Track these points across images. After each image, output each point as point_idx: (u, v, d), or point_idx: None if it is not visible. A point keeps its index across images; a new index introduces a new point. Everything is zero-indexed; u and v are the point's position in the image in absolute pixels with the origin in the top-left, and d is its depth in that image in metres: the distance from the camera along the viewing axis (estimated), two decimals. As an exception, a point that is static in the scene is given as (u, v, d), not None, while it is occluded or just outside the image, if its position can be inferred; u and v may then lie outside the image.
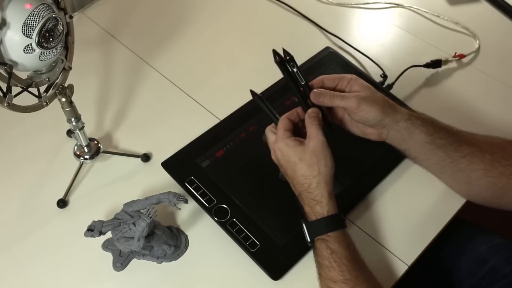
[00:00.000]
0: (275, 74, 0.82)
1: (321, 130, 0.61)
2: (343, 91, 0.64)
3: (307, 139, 0.60)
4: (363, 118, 0.63)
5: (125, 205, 0.62)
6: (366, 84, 0.64)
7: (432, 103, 0.84)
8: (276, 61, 0.62)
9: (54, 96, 0.61)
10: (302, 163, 0.59)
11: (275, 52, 0.63)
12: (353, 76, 0.64)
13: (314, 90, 0.63)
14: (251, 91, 0.65)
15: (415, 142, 0.64)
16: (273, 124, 0.65)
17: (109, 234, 0.62)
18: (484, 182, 0.64)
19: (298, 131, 0.64)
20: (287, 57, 0.63)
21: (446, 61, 0.88)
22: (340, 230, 0.58)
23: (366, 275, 0.57)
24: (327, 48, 0.89)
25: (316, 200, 0.59)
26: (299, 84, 0.64)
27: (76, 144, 0.73)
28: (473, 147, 0.64)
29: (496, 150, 0.64)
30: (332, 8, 1.01)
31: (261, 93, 0.65)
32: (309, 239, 0.60)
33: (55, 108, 0.64)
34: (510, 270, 0.71)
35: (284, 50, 0.63)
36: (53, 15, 0.52)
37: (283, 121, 0.63)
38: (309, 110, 0.63)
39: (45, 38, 0.52)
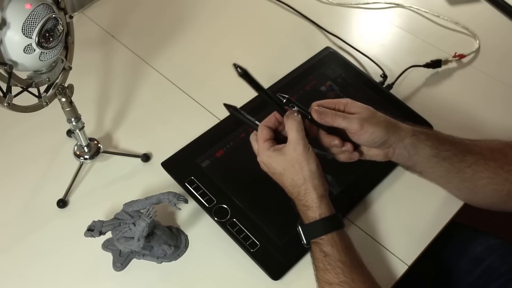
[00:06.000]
0: (275, 74, 0.82)
1: (301, 132, 0.58)
2: None
3: (287, 145, 0.58)
4: (368, 140, 0.60)
5: (125, 205, 0.62)
6: (365, 105, 0.61)
7: (432, 103, 0.84)
8: (240, 74, 0.57)
9: (54, 96, 0.61)
10: (287, 173, 0.58)
11: (236, 66, 0.57)
12: (349, 100, 0.61)
13: (315, 108, 0.60)
14: (225, 104, 0.60)
15: (420, 157, 0.63)
16: (255, 132, 0.62)
17: (109, 234, 0.62)
18: (488, 190, 0.64)
19: (279, 135, 0.62)
20: (242, 73, 0.57)
21: (446, 61, 0.88)
22: (334, 232, 0.57)
23: (362, 277, 0.57)
24: (327, 48, 0.89)
25: (307, 205, 0.58)
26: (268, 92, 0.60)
27: (76, 144, 0.73)
28: (476, 156, 0.63)
29: (498, 157, 0.64)
30: (332, 8, 1.01)
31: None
32: (305, 242, 0.60)
33: (55, 108, 0.64)
34: (506, 270, 0.71)
35: (234, 65, 0.57)
36: (53, 15, 0.52)
37: (262, 131, 0.60)
38: (288, 112, 0.59)
39: (45, 38, 0.52)
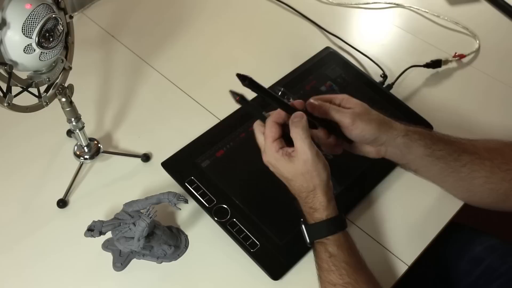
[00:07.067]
0: (275, 74, 0.82)
1: (307, 139, 0.55)
2: None
3: (296, 153, 0.56)
4: (359, 136, 0.61)
5: (125, 205, 0.62)
6: (360, 102, 0.62)
7: (432, 103, 0.84)
8: (245, 85, 0.54)
9: (54, 96, 0.61)
10: (296, 179, 0.57)
11: (239, 76, 0.53)
12: (345, 95, 0.62)
13: (311, 99, 0.61)
14: (231, 92, 0.55)
15: (414, 156, 0.63)
16: (260, 122, 0.60)
17: (109, 234, 0.62)
18: (485, 189, 0.64)
19: (288, 130, 0.59)
20: (247, 83, 0.54)
21: (446, 61, 0.88)
22: (339, 233, 0.58)
23: (366, 278, 0.57)
24: (327, 48, 0.89)
25: (314, 208, 0.58)
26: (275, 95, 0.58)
27: (76, 144, 0.73)
28: (472, 155, 0.64)
29: (495, 156, 0.64)
30: (332, 8, 1.01)
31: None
32: (308, 241, 0.59)
33: (55, 108, 0.64)
34: (506, 270, 0.71)
35: (238, 75, 0.54)
36: (53, 15, 0.52)
37: (270, 128, 0.57)
38: (292, 116, 0.57)
39: (45, 38, 0.52)
